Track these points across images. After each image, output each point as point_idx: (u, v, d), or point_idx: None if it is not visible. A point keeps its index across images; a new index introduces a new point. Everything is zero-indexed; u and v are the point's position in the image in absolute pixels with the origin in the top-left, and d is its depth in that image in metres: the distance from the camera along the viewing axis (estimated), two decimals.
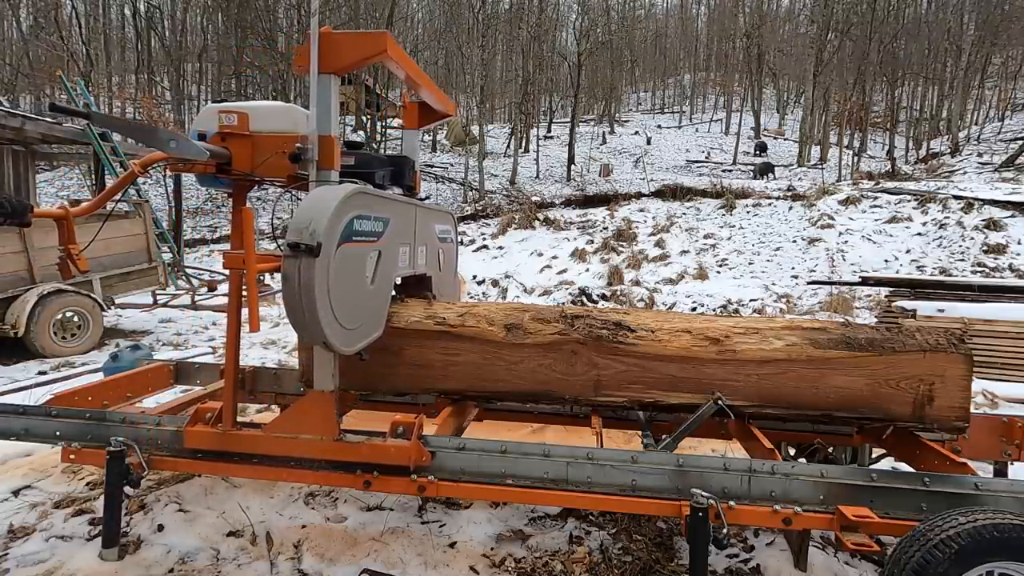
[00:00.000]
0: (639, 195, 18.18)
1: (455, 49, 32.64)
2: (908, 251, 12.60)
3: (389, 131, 26.24)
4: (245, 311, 2.22)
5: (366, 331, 2.36)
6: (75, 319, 6.83)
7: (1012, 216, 12.60)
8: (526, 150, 31.44)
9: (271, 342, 7.53)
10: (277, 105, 2.45)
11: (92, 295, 7.06)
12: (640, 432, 2.88)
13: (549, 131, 37.73)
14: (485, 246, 15.64)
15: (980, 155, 25.29)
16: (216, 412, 2.49)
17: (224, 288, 11.47)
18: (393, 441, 2.33)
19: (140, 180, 12.32)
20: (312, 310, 2.00)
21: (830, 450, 2.99)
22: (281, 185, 2.65)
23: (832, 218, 14.37)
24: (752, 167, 27.43)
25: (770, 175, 24.50)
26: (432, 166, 26.69)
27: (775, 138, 36.54)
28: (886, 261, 12.38)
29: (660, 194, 17.84)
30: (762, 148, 31.56)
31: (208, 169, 2.27)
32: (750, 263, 13.18)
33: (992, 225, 12.41)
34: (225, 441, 2.41)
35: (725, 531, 2.09)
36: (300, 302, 1.99)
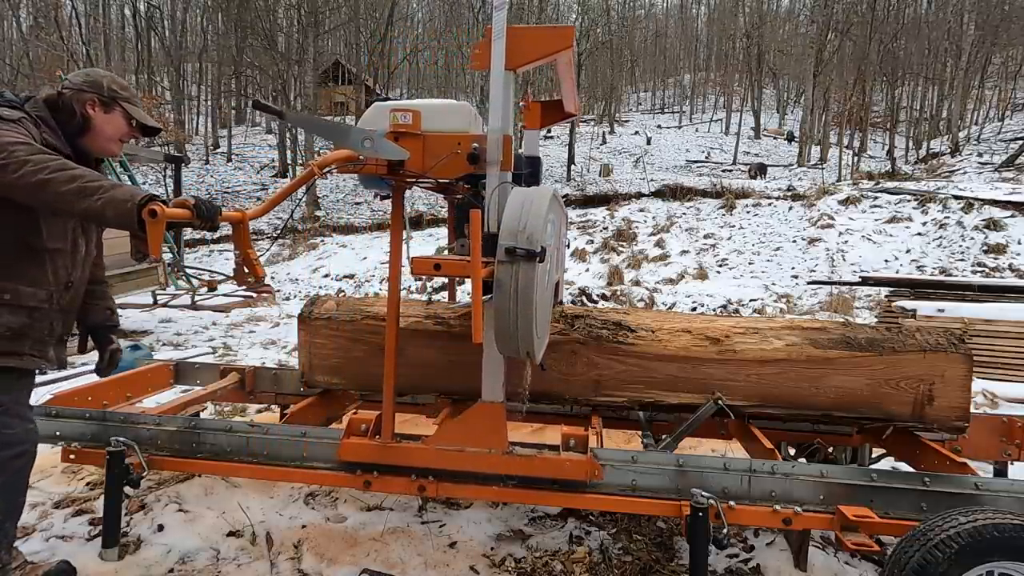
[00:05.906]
0: (639, 195, 18.20)
1: (455, 49, 32.61)
2: (908, 251, 12.61)
3: None
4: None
5: (544, 339, 2.29)
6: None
7: (1012, 216, 12.61)
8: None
9: (271, 342, 7.52)
10: (450, 103, 2.35)
11: None
12: (640, 432, 2.87)
13: (549, 131, 37.74)
14: None
15: (980, 155, 25.31)
16: (371, 424, 2.39)
17: (224, 288, 11.50)
18: (568, 455, 2.26)
19: (140, 180, 12.28)
20: (527, 317, 1.91)
21: (830, 450, 2.99)
22: (444, 189, 2.53)
23: (832, 218, 14.38)
24: (747, 166, 27.46)
25: (761, 175, 24.51)
26: None
27: (775, 138, 36.55)
28: (886, 261, 12.40)
29: (660, 194, 17.86)
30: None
31: (379, 170, 2.16)
32: (750, 263, 13.19)
33: (992, 225, 12.42)
34: (385, 454, 2.33)
35: (725, 531, 2.08)
36: (515, 309, 1.90)
